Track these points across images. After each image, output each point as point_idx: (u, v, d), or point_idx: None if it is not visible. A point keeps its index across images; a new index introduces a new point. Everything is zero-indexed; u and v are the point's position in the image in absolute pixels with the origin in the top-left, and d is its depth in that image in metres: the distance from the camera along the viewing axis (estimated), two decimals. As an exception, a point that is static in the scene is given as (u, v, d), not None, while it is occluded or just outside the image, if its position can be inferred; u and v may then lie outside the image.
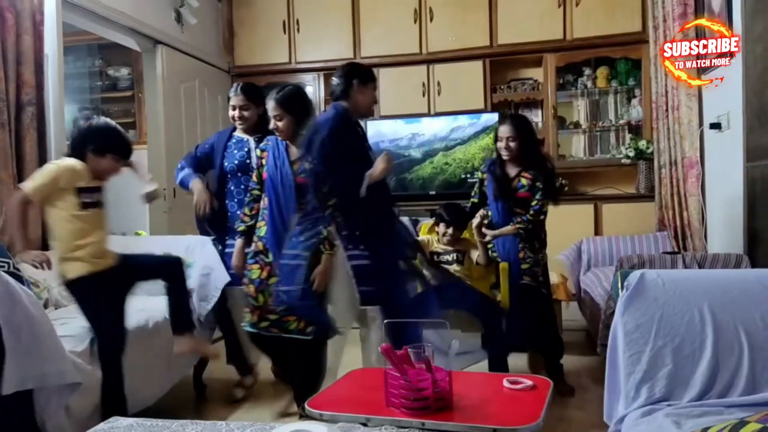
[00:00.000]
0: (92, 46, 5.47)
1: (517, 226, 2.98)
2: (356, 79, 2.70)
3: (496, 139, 3.12)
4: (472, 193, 3.26)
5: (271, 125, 2.69)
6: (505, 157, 3.06)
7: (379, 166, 2.62)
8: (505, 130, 3.03)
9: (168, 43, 4.47)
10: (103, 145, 2.39)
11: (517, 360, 3.28)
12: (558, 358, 3.08)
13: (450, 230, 3.11)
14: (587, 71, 4.82)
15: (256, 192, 2.77)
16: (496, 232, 3.00)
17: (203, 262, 3.02)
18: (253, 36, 5.22)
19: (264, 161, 2.73)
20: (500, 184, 3.07)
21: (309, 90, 5.26)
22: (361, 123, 2.94)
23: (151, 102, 4.47)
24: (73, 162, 2.33)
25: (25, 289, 2.01)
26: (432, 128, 4.79)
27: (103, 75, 5.57)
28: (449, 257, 3.17)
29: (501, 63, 4.91)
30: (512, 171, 3.08)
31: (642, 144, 4.44)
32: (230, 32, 5.27)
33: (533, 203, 3.01)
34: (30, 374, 1.95)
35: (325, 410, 1.69)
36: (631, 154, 4.49)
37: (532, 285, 2.96)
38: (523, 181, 3.03)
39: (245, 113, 3.06)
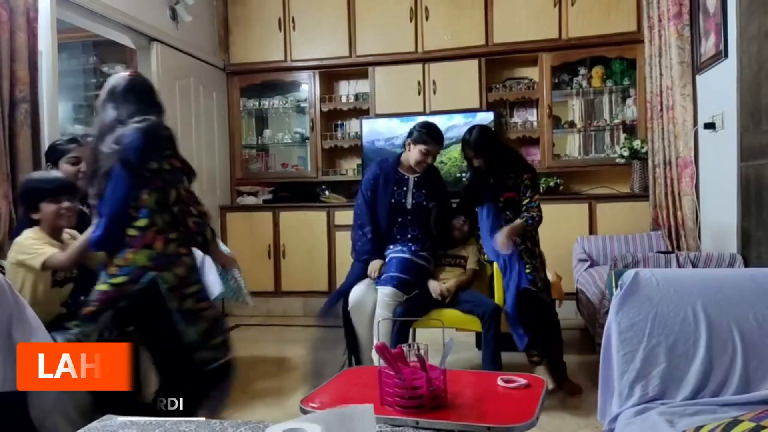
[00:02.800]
0: (87, 43, 5.43)
1: (525, 222, 3.01)
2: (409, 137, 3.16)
3: (467, 158, 3.18)
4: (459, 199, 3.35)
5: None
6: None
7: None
8: (469, 153, 3.09)
9: (163, 41, 4.45)
10: (31, 201, 2.33)
11: (513, 358, 3.28)
12: (560, 357, 3.07)
13: (466, 226, 3.22)
14: (582, 71, 4.82)
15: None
16: (507, 230, 2.96)
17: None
18: (248, 34, 5.20)
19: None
20: (484, 191, 3.13)
21: (304, 88, 5.27)
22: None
23: (146, 99, 4.44)
24: (21, 237, 2.28)
25: (8, 282, 1.96)
26: (427, 127, 4.78)
27: (97, 72, 5.53)
28: (451, 260, 3.23)
29: (496, 62, 4.91)
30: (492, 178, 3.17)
31: (636, 143, 4.45)
32: (225, 30, 5.25)
33: (525, 201, 3.04)
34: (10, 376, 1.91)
35: (319, 409, 1.69)
36: (626, 153, 4.49)
37: (532, 290, 2.96)
38: (508, 183, 3.08)
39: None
